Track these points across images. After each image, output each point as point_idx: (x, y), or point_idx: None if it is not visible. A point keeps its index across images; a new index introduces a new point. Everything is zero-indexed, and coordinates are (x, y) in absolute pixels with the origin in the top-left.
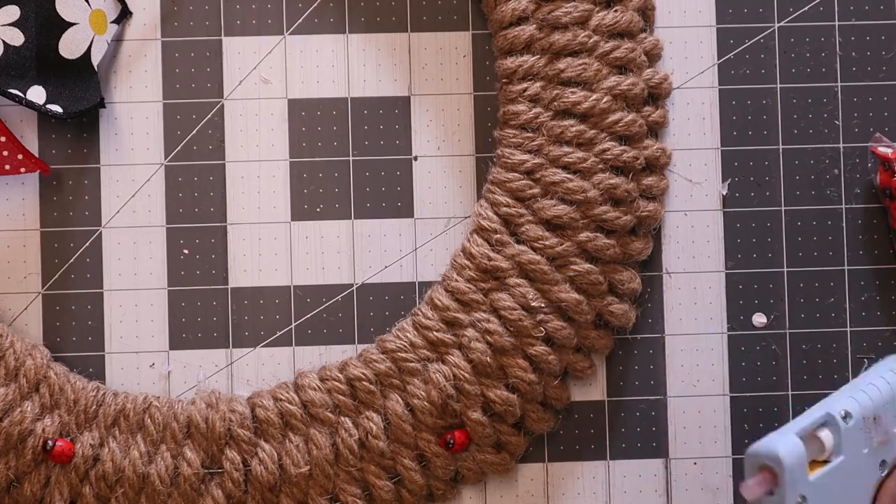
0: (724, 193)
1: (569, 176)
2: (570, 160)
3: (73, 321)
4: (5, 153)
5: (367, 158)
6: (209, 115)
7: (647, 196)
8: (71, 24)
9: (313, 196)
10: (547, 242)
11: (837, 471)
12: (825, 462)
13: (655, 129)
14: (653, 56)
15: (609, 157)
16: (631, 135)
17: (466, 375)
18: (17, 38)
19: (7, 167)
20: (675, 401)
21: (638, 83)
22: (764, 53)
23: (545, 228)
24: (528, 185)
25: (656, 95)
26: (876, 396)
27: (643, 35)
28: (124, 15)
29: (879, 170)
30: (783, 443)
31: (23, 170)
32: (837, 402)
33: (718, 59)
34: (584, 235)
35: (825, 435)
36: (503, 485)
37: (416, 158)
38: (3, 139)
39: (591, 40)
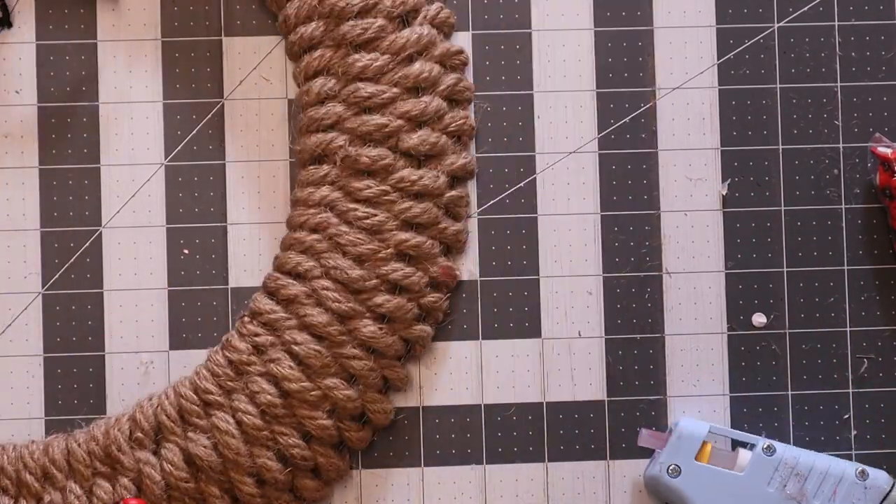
0: (724, 193)
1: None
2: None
3: (73, 321)
4: None
5: None
6: (209, 115)
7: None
8: None
9: None
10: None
11: (726, 478)
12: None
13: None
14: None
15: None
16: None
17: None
18: None
19: None
20: (675, 400)
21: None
22: (764, 53)
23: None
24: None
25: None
26: (820, 465)
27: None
28: (2, 25)
29: (879, 170)
30: (690, 421)
31: None
32: (782, 444)
33: (718, 59)
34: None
35: (743, 452)
36: (503, 485)
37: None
38: None
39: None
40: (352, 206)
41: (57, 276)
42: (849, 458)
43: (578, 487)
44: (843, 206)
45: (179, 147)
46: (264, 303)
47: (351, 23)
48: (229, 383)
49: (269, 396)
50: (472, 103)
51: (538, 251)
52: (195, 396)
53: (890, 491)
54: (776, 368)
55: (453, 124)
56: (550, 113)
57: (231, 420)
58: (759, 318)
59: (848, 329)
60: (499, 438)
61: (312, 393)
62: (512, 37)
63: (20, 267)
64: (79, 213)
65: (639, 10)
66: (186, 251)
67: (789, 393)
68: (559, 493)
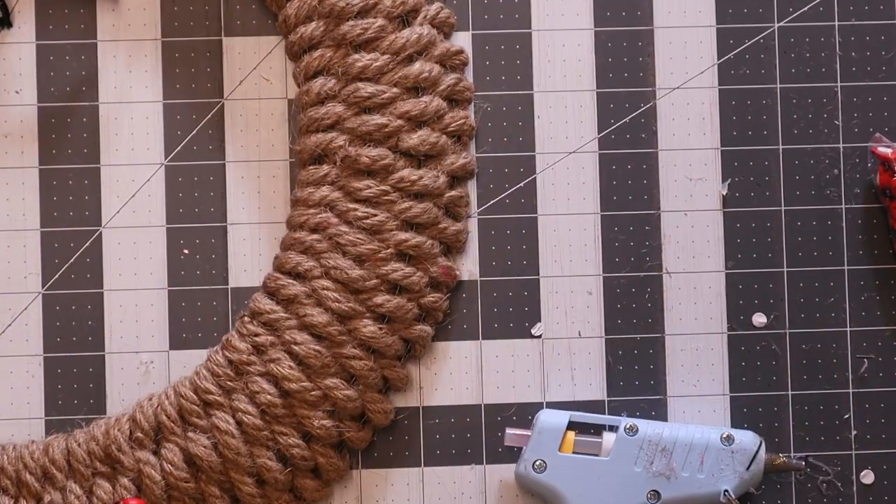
0: (724, 193)
1: (360, 238)
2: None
3: (73, 321)
4: None
5: None
6: (209, 115)
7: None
8: None
9: None
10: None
11: (592, 464)
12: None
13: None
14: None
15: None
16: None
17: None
18: None
19: None
20: (675, 401)
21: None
22: (764, 53)
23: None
24: (316, 240)
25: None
26: (684, 437)
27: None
28: (2, 25)
29: (879, 170)
30: (550, 413)
31: None
32: (645, 421)
33: (718, 59)
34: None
35: (608, 435)
36: (503, 485)
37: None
38: None
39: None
40: (352, 206)
41: (57, 276)
42: (848, 458)
43: None
44: (843, 206)
45: (179, 147)
46: (264, 303)
47: (351, 23)
48: (229, 383)
49: (269, 396)
50: (472, 103)
51: (538, 251)
52: (195, 396)
53: (757, 451)
54: (776, 368)
55: (453, 124)
56: (550, 113)
57: (231, 420)
58: (759, 318)
59: (848, 329)
60: (499, 438)
61: (312, 393)
62: (512, 37)
63: (20, 267)
64: (79, 213)
65: (639, 10)
66: (186, 251)
67: (789, 393)
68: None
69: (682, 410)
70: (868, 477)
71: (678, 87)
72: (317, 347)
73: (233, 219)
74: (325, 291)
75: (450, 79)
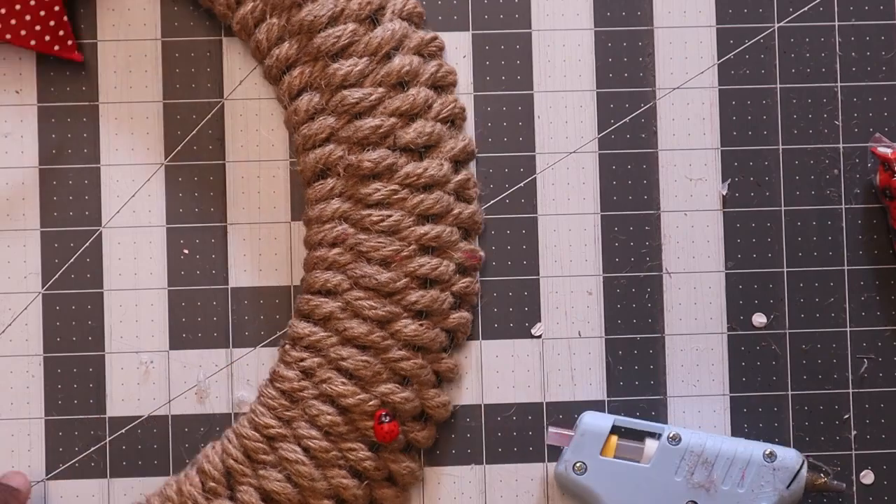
0: (724, 193)
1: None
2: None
3: (73, 321)
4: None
5: None
6: (209, 115)
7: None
8: None
9: None
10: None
11: (632, 470)
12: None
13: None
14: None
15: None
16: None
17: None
18: None
19: (33, 42)
20: (675, 401)
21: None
22: (764, 53)
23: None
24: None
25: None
26: (727, 450)
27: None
28: None
29: (879, 170)
30: (594, 416)
31: (56, 48)
32: (688, 431)
33: (718, 59)
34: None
35: (650, 442)
36: (503, 485)
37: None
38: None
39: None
40: (365, 212)
41: (57, 276)
42: (848, 458)
43: None
44: (843, 206)
45: (179, 147)
46: (302, 326)
47: (323, 34)
48: (287, 413)
49: (329, 417)
50: (456, 86)
51: (538, 251)
52: (257, 434)
53: (799, 470)
54: (776, 368)
55: (444, 111)
56: (550, 113)
57: (298, 448)
58: (759, 318)
59: (848, 329)
60: (499, 438)
61: (370, 403)
62: (512, 37)
63: (20, 267)
64: (79, 213)
65: (639, 10)
66: (186, 251)
67: (789, 393)
68: (559, 492)
69: (682, 410)
70: (868, 477)
71: (678, 87)
72: (364, 358)
73: (233, 219)
74: (359, 301)
75: (431, 66)
